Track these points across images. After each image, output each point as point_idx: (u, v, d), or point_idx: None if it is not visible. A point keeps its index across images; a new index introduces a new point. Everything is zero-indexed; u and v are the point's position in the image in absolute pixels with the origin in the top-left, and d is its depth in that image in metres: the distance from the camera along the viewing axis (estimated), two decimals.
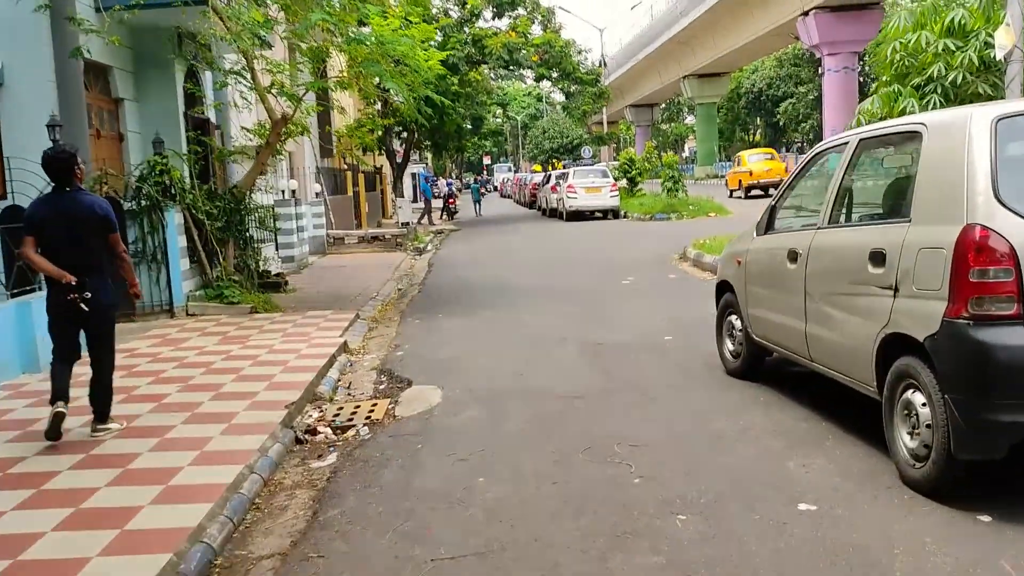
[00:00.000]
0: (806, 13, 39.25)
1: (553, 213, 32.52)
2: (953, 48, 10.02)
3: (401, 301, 12.76)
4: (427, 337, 9.58)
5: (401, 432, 5.96)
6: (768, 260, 6.06)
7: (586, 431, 5.66)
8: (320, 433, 6.13)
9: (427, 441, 5.70)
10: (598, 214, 29.34)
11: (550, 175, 36.07)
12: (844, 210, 5.36)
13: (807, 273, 5.31)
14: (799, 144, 67.89)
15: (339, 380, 7.78)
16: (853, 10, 38.67)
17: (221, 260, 11.90)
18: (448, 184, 40.35)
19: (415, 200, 45.91)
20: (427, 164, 60.42)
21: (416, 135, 33.16)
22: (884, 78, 10.86)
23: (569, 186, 29.40)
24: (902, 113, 10.27)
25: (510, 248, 20.81)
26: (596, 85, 33.57)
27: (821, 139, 51.32)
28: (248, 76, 11.70)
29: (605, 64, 47.32)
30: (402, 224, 26.26)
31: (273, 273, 14.12)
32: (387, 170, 35.60)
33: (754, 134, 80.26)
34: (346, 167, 28.31)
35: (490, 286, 13.62)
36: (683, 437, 5.43)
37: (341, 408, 6.76)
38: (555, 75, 32.49)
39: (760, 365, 6.59)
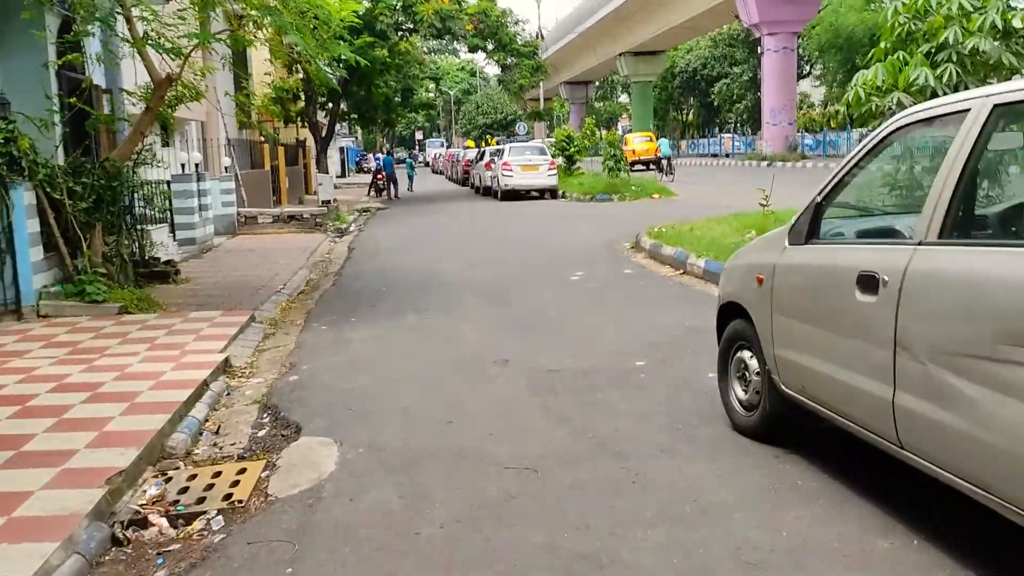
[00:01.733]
0: None
1: (487, 192, 30.59)
2: (970, 9, 8.59)
3: (310, 297, 10.75)
4: (333, 353, 7.59)
5: (267, 534, 3.94)
6: (816, 283, 4.09)
7: (549, 544, 3.66)
8: (153, 525, 4.15)
9: (302, 558, 3.68)
10: (535, 193, 27.47)
11: (484, 151, 34.15)
12: (969, 216, 3.40)
13: (900, 313, 3.31)
14: (732, 123, 66.93)
15: (206, 421, 5.77)
16: None
17: (86, 248, 9.69)
18: (377, 159, 38.32)
19: (342, 175, 43.35)
20: (356, 139, 57.76)
21: (341, 106, 30.88)
22: (884, 44, 9.28)
23: (504, 163, 27.46)
24: (911, 85, 8.68)
25: (441, 231, 18.83)
26: (533, 58, 31.71)
27: (758, 120, 50.06)
28: (116, 24, 9.46)
29: (543, 37, 45.48)
30: (323, 202, 24.03)
31: (162, 261, 11.97)
32: (312, 143, 33.12)
33: (687, 114, 79.06)
34: (263, 139, 25.88)
35: (416, 280, 11.61)
36: (703, 564, 3.45)
37: (194, 476, 4.76)
38: (490, 47, 30.58)
39: (785, 424, 4.62)
